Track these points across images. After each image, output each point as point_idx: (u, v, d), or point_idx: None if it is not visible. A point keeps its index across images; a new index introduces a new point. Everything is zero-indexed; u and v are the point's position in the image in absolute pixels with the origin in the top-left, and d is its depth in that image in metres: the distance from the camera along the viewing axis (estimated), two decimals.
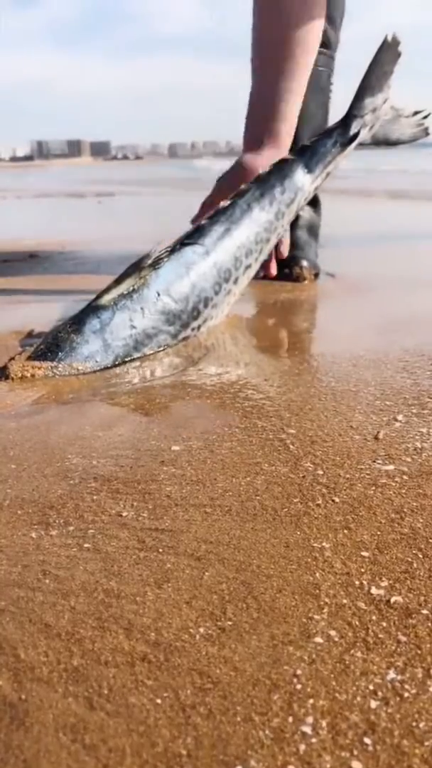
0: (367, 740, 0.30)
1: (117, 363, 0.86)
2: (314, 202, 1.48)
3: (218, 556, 0.43)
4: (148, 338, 0.90)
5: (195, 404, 0.70)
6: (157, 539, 0.45)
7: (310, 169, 1.12)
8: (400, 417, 0.64)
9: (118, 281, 0.91)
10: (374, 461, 0.55)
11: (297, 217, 1.36)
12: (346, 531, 0.45)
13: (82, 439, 0.62)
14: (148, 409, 0.69)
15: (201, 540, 0.45)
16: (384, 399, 0.68)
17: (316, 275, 1.40)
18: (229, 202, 1.04)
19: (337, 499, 0.49)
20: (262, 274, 1.15)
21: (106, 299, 0.89)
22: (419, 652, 0.35)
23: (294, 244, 1.39)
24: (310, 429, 0.62)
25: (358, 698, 0.32)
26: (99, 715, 0.31)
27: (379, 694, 0.32)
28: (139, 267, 0.92)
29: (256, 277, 1.10)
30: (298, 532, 0.45)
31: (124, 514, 0.49)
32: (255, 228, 1.04)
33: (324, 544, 0.44)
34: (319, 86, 1.41)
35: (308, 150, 1.13)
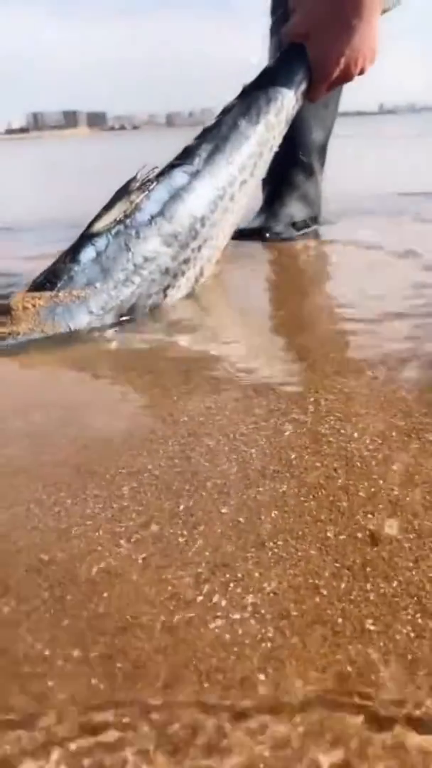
0: None
1: (117, 288, 0.87)
2: (309, 170, 1.50)
3: None
4: (147, 261, 0.91)
5: None
6: None
7: (293, 73, 1.10)
8: None
9: (107, 207, 0.92)
10: None
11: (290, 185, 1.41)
12: None
13: None
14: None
15: None
16: None
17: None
18: (215, 120, 1.04)
19: None
20: None
21: (98, 226, 0.90)
22: None
23: (270, 211, 1.47)
24: None
25: None
26: None
27: None
28: (127, 191, 0.92)
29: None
30: None
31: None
32: (245, 142, 1.03)
33: None
34: None
35: (288, 55, 1.12)
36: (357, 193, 2.21)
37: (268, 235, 1.48)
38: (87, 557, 0.45)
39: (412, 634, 0.38)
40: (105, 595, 0.41)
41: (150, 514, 0.50)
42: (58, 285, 0.86)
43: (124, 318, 0.91)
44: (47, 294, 0.85)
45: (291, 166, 1.52)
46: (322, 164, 1.59)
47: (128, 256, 0.90)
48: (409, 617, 0.39)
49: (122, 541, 0.47)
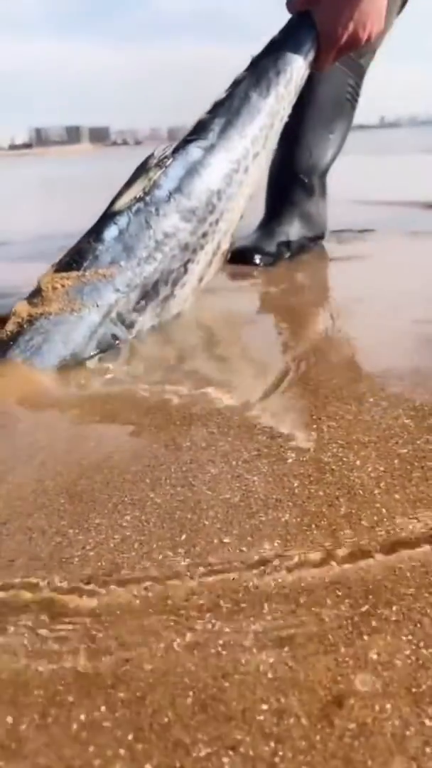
0: None
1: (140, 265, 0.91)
2: (310, 190, 1.51)
3: None
4: (168, 237, 0.93)
5: None
6: None
7: (301, 43, 1.11)
8: None
9: (127, 185, 0.94)
10: None
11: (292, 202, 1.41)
12: None
13: None
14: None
15: None
16: None
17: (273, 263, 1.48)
18: (225, 93, 1.06)
19: None
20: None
21: (119, 205, 0.93)
22: None
23: (266, 228, 1.45)
24: None
25: None
26: None
27: None
28: (145, 169, 0.95)
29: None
30: None
31: None
32: (256, 115, 1.05)
33: None
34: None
35: (295, 25, 1.13)
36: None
37: (258, 258, 1.48)
38: (89, 587, 0.45)
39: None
40: (106, 624, 0.41)
41: (152, 545, 0.49)
42: (84, 264, 0.89)
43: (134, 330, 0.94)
44: (74, 274, 0.88)
45: (291, 184, 1.53)
46: (324, 185, 1.59)
47: (149, 233, 0.92)
48: (413, 647, 0.39)
49: (124, 571, 0.46)
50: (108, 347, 0.91)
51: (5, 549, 0.50)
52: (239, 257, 1.47)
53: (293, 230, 1.54)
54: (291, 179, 1.52)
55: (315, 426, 0.68)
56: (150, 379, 0.83)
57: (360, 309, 1.14)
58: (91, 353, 0.89)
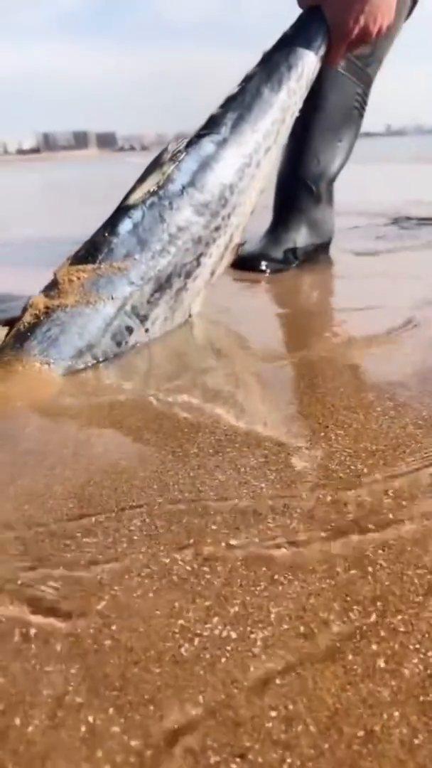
0: None
1: (154, 258, 0.92)
2: (317, 197, 1.51)
3: None
4: (181, 231, 0.95)
5: None
6: None
7: (312, 37, 1.12)
8: None
9: (141, 179, 0.96)
10: None
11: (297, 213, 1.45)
12: None
13: None
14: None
15: None
16: None
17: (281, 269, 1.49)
18: (237, 88, 1.07)
19: None
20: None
21: (134, 198, 0.95)
22: None
23: (273, 235, 1.47)
24: None
25: None
26: None
27: None
28: (159, 163, 0.96)
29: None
30: None
31: None
32: (268, 109, 1.06)
33: None
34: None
35: (306, 19, 1.13)
36: None
37: (264, 265, 1.49)
38: (97, 591, 0.45)
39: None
40: (114, 627, 0.41)
41: (159, 549, 0.50)
42: (99, 257, 0.91)
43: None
44: (89, 267, 0.90)
45: (298, 191, 1.54)
46: (331, 193, 1.59)
47: (163, 226, 0.94)
48: (422, 656, 0.39)
49: (132, 574, 0.47)
50: (122, 341, 0.92)
51: (14, 552, 0.50)
52: (246, 264, 1.47)
53: (300, 237, 1.55)
54: (299, 186, 1.53)
55: (323, 434, 0.68)
56: (158, 387, 0.84)
57: (366, 317, 1.14)
58: (106, 348, 0.90)
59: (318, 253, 1.60)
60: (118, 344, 0.92)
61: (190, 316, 1.05)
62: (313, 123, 1.46)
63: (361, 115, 1.53)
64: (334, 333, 1.07)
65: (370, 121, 1.85)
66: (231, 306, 1.21)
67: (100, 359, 0.90)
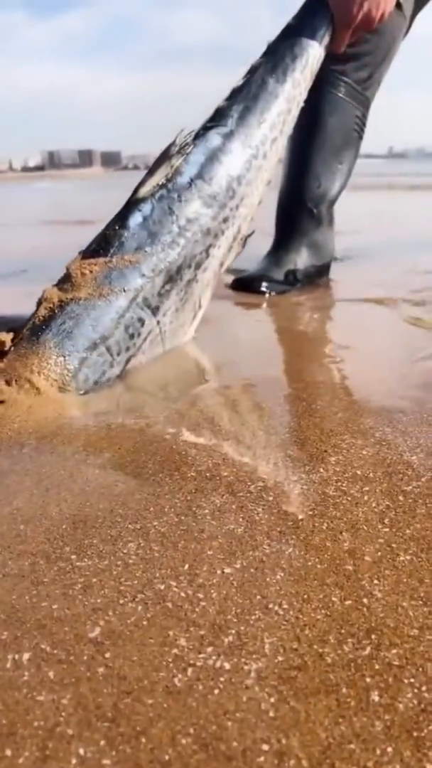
0: None
1: (164, 251, 0.94)
2: (318, 219, 1.53)
3: None
4: (190, 223, 0.96)
5: None
6: None
7: (316, 27, 1.13)
8: None
9: (150, 172, 0.97)
10: None
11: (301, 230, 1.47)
12: None
13: None
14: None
15: None
16: None
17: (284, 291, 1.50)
18: (242, 79, 1.08)
19: None
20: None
21: (143, 192, 0.96)
22: None
23: (274, 256, 1.50)
24: None
25: None
26: None
27: None
28: (167, 156, 0.97)
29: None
30: None
31: None
32: (274, 101, 1.07)
33: None
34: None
35: (310, 9, 1.15)
36: None
37: (265, 287, 1.50)
38: (92, 615, 0.45)
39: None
40: (108, 655, 0.41)
41: (154, 573, 0.49)
42: (111, 251, 0.92)
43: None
44: (102, 260, 0.91)
45: (299, 214, 1.55)
46: (332, 215, 1.61)
47: (173, 219, 0.95)
48: (415, 690, 0.39)
49: (126, 600, 0.46)
50: (135, 332, 0.93)
51: (8, 573, 0.50)
52: (247, 285, 1.48)
53: (301, 259, 1.55)
54: (300, 208, 1.54)
55: (320, 459, 0.68)
56: (155, 410, 0.84)
57: (366, 342, 1.15)
58: (119, 340, 0.92)
59: (319, 275, 1.60)
60: (131, 336, 0.93)
61: (200, 307, 1.06)
62: (314, 146, 1.48)
63: (361, 137, 1.55)
64: (332, 358, 1.08)
65: (372, 143, 1.87)
66: (231, 330, 1.21)
67: (114, 354, 0.91)
